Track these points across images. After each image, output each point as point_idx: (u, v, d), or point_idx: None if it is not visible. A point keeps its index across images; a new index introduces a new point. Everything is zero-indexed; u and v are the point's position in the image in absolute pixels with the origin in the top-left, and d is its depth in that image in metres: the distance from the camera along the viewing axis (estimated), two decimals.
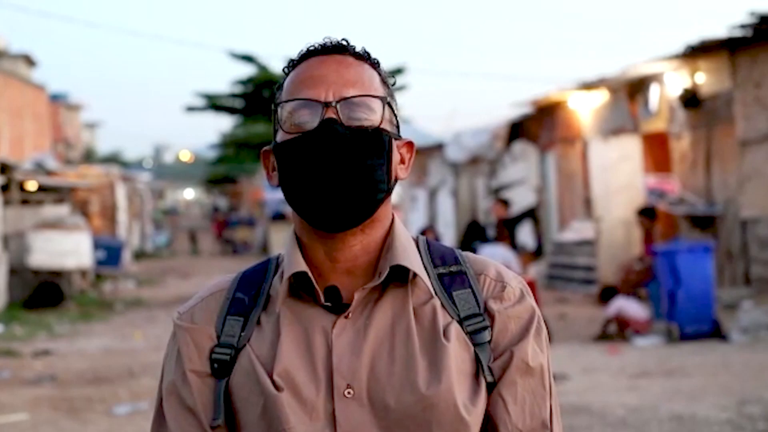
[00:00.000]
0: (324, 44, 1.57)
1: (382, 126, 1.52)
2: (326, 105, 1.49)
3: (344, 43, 1.57)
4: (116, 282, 23.00)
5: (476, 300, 1.55)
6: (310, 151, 1.48)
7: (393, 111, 1.56)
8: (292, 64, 1.58)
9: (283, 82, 1.58)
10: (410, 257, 1.54)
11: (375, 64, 1.58)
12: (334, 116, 1.48)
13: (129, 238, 31.72)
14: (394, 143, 1.55)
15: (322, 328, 1.51)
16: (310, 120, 1.50)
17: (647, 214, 13.85)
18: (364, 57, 1.57)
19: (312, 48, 1.57)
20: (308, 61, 1.56)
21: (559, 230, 20.13)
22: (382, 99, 1.54)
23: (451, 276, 1.57)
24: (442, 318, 1.53)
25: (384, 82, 1.57)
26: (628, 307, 11.69)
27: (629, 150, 15.88)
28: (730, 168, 14.07)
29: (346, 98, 1.50)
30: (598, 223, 16.01)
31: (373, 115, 1.51)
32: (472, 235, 14.69)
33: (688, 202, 14.97)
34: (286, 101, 1.53)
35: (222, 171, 55.52)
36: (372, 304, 1.53)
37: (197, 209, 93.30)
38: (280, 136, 1.53)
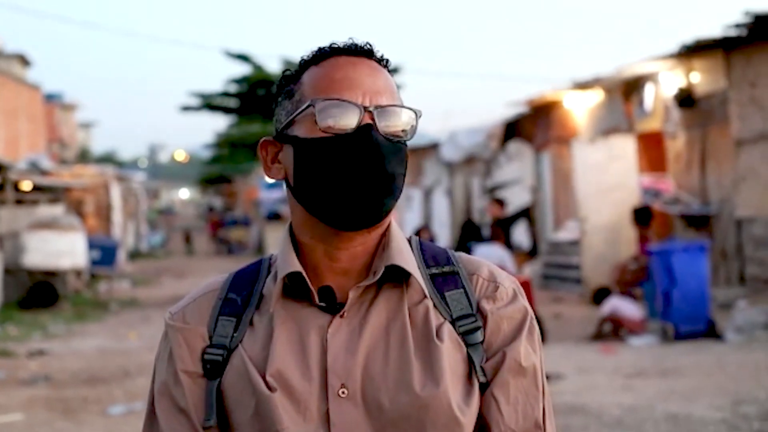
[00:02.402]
0: (353, 45, 1.56)
1: (408, 138, 1.54)
2: (364, 110, 1.49)
3: (370, 46, 1.57)
4: (111, 282, 22.96)
5: (469, 300, 1.55)
6: (346, 154, 1.48)
7: (417, 122, 1.57)
8: (315, 59, 1.56)
9: (299, 74, 1.57)
10: (405, 257, 1.55)
11: (391, 72, 1.59)
12: (371, 122, 1.49)
13: (124, 238, 31.67)
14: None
15: (317, 328, 1.51)
16: (346, 122, 1.49)
17: (642, 219, 13.85)
18: (384, 64, 1.58)
19: (339, 47, 1.56)
20: (336, 59, 1.55)
21: (554, 230, 20.14)
22: (416, 111, 1.55)
23: (444, 276, 1.57)
24: (435, 318, 1.52)
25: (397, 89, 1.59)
26: (623, 306, 11.69)
27: (619, 150, 15.86)
28: (725, 168, 14.08)
29: (382, 106, 1.51)
30: (583, 223, 15.99)
31: (403, 125, 1.53)
32: (468, 234, 14.70)
33: (683, 202, 14.97)
34: (324, 99, 1.50)
35: (217, 171, 55.52)
36: (367, 304, 1.53)
37: (192, 209, 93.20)
38: (306, 132, 1.52)
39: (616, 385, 8.72)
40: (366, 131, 1.48)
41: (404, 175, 1.54)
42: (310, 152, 1.51)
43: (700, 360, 9.72)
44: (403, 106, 1.53)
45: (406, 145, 1.54)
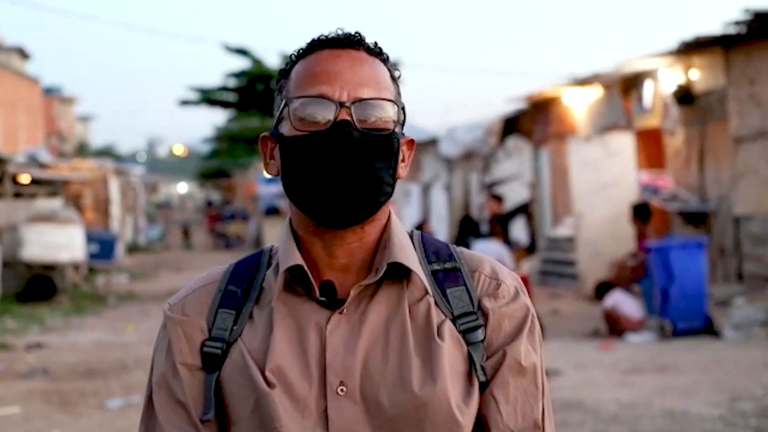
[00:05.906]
0: (338, 36, 1.53)
1: (394, 129, 1.50)
2: (340, 105, 1.46)
3: (358, 36, 1.53)
4: (109, 275, 22.95)
5: (470, 298, 1.53)
6: (321, 151, 1.46)
7: (402, 111, 1.54)
8: (302, 53, 1.54)
9: (289, 69, 1.55)
10: (407, 254, 1.53)
11: (385, 60, 1.55)
12: (347, 118, 1.46)
13: (122, 231, 31.65)
14: (401, 143, 1.54)
15: (316, 324, 1.49)
16: (322, 118, 1.47)
17: (640, 215, 13.84)
18: (377, 52, 1.54)
19: (325, 39, 1.53)
20: (321, 52, 1.52)
21: (552, 226, 20.14)
22: (396, 102, 1.51)
23: (446, 273, 1.55)
24: (436, 316, 1.51)
25: (393, 77, 1.55)
26: (624, 303, 11.69)
27: (616, 146, 15.86)
28: (724, 165, 14.08)
29: (361, 100, 1.47)
30: (578, 220, 15.99)
31: (386, 117, 1.49)
32: (466, 230, 14.66)
33: (681, 199, 14.97)
34: (298, 97, 1.49)
35: (215, 165, 55.46)
36: (367, 300, 1.51)
37: (190, 203, 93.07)
38: (288, 130, 1.50)
39: (614, 381, 8.73)
40: (340, 128, 1.45)
41: (393, 168, 1.50)
42: (291, 150, 1.49)
43: (697, 357, 9.73)
44: (384, 99, 1.49)
45: (393, 136, 1.50)
